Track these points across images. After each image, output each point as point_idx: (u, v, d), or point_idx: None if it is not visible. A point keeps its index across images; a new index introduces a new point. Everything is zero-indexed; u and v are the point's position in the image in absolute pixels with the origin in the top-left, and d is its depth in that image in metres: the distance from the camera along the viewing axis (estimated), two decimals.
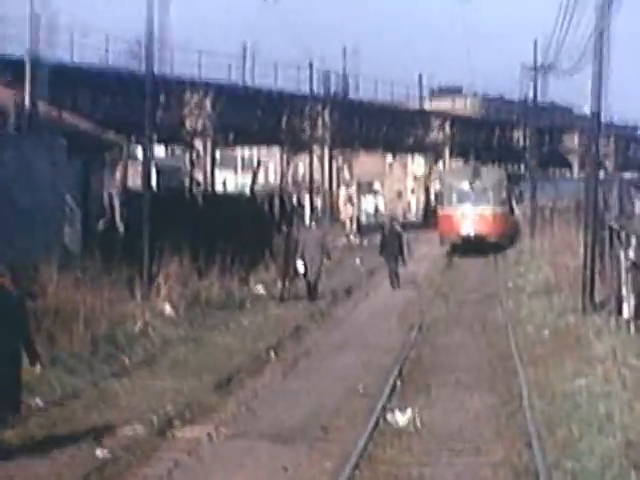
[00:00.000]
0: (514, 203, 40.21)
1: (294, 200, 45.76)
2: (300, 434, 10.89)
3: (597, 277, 18.52)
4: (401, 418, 11.46)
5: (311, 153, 43.76)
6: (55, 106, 19.53)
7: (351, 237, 40.71)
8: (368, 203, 64.25)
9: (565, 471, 9.06)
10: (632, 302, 16.03)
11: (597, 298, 18.28)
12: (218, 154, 61.08)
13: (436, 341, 17.10)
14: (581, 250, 19.56)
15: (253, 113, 41.77)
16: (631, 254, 16.09)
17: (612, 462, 9.08)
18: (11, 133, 18.27)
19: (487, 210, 35.93)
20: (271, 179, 62.15)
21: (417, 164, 62.81)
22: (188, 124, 38.57)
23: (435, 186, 53.36)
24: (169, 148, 51.75)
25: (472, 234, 35.55)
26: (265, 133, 43.30)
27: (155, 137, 37.48)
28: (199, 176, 38.50)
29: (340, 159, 50.68)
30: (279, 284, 22.78)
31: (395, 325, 19.23)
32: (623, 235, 16.98)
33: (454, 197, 36.51)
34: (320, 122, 45.98)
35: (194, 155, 38.88)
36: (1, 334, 9.38)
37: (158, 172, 62.04)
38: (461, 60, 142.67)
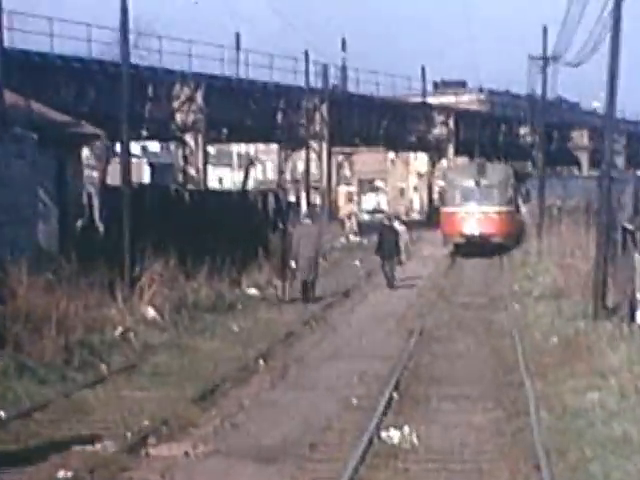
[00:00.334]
0: (520, 202, 39.34)
1: (293, 198, 44.91)
2: (286, 452, 10.03)
3: (609, 281, 17.54)
4: (397, 435, 10.55)
5: (308, 149, 42.53)
6: (25, 97, 18.54)
7: (350, 236, 39.78)
8: (369, 201, 63.25)
9: None
10: None
11: (609, 303, 17.29)
12: (214, 150, 60.37)
13: (437, 348, 16.10)
14: (591, 252, 18.75)
15: (247, 107, 40.52)
16: None
17: None
18: None
19: (492, 209, 35.00)
20: (270, 176, 61.22)
21: (420, 161, 61.76)
22: (178, 118, 37.45)
23: (438, 184, 52.43)
24: (163, 144, 50.79)
25: (477, 234, 34.61)
26: (260, 128, 42.12)
27: (144, 133, 37.11)
28: (192, 173, 37.49)
29: (340, 156, 49.75)
30: (275, 285, 21.84)
31: (394, 330, 18.24)
32: (638, 236, 16.06)
33: (458, 195, 35.57)
34: (318, 117, 44.81)
35: (187, 151, 37.81)
36: None
37: (153, 168, 61.51)
38: (465, 53, 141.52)
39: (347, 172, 54.45)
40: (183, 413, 11.40)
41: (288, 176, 51.37)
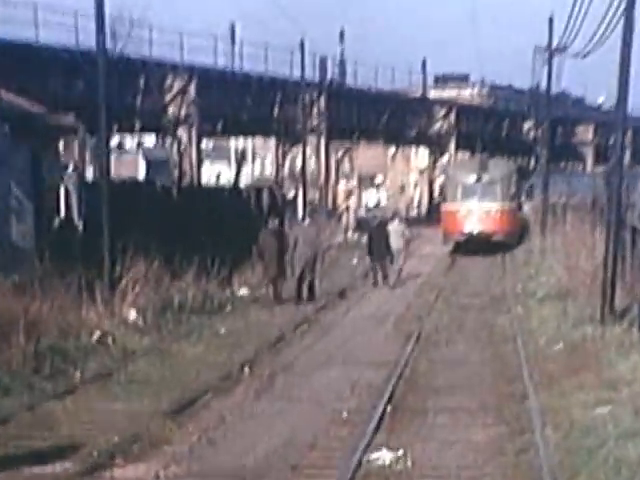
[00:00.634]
0: (523, 199, 38.39)
1: (291, 194, 43.94)
2: (265, 475, 9.14)
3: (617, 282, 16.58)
4: (388, 456, 9.64)
5: (304, 143, 41.42)
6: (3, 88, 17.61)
7: (349, 234, 38.81)
8: (370, 197, 62.24)
9: None
10: None
11: (617, 306, 16.33)
12: (211, 145, 59.33)
13: (435, 354, 15.15)
14: (598, 251, 17.84)
15: (242, 100, 39.43)
16: None
17: None
18: None
19: (494, 206, 34.00)
20: (268, 172, 60.21)
21: (421, 156, 60.68)
22: (171, 112, 36.42)
23: (439, 180, 51.47)
24: (159, 138, 49.83)
25: (478, 232, 33.65)
26: (256, 122, 40.99)
27: (137, 126, 36.13)
28: (186, 168, 36.52)
29: (340, 151, 48.71)
30: (267, 285, 20.90)
31: (390, 334, 17.30)
32: None
33: (459, 192, 34.55)
34: (315, 111, 43.69)
35: (181, 146, 36.84)
36: None
37: (148, 164, 60.49)
38: (468, 46, 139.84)
39: (347, 168, 53.38)
40: (157, 428, 10.54)
41: (287, 172, 50.36)
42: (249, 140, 58.51)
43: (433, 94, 59.76)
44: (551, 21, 34.28)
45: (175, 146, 38.26)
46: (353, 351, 15.61)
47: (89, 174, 29.86)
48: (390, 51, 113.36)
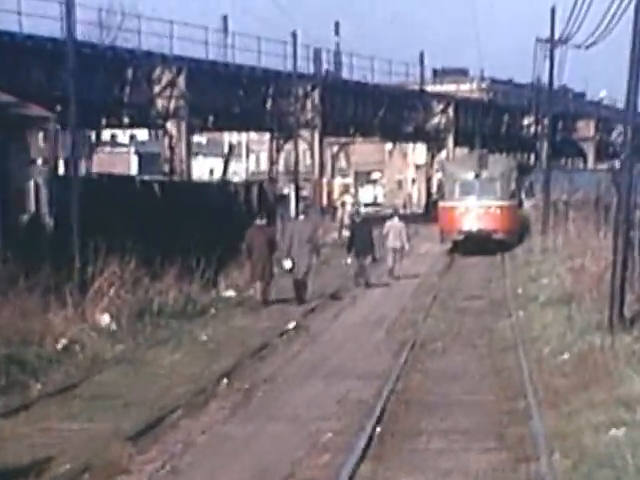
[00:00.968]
0: (523, 196, 37.32)
1: (285, 190, 42.75)
2: None
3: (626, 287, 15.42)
4: None
5: (296, 138, 40.19)
6: None
7: (343, 232, 37.69)
8: (367, 194, 61.11)
9: None
10: None
11: (626, 312, 15.16)
12: (204, 140, 58.18)
13: (430, 366, 13.97)
14: (604, 252, 16.73)
15: (234, 94, 38.28)
16: None
17: None
18: None
19: (494, 204, 32.94)
20: (263, 167, 59.09)
21: (418, 152, 59.62)
22: (159, 105, 35.23)
23: (437, 176, 50.39)
24: (152, 132, 48.75)
25: (476, 230, 32.57)
26: (249, 116, 39.87)
27: (126, 120, 35.07)
28: (176, 163, 35.39)
29: (335, 147, 47.57)
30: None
31: (382, 341, 16.13)
32: None
33: (457, 189, 33.49)
34: (309, 104, 42.46)
35: (172, 140, 35.69)
36: None
37: (140, 158, 59.32)
38: (467, 40, 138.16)
39: (343, 163, 52.25)
40: (116, 453, 9.35)
41: (281, 167, 49.23)
42: (243, 135, 57.38)
43: (431, 88, 58.64)
44: (553, 11, 33.18)
45: (166, 140, 37.13)
46: (342, 361, 14.44)
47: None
48: (388, 44, 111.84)
